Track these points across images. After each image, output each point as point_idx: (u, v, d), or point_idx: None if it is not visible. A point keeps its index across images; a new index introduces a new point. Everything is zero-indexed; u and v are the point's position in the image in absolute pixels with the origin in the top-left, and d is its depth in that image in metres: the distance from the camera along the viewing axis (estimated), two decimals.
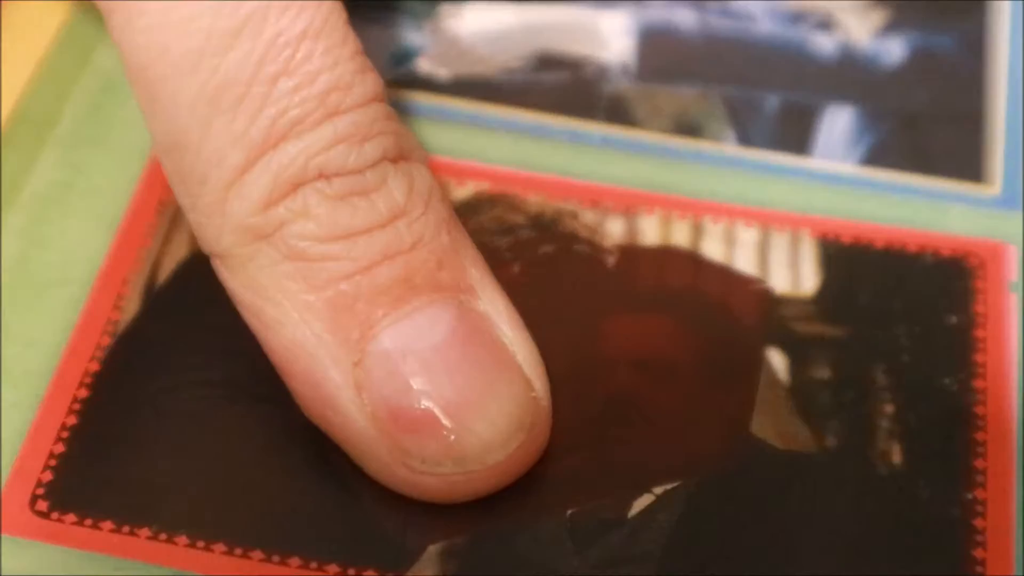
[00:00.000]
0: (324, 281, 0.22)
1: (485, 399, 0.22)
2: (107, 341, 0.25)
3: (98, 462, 0.23)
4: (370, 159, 0.23)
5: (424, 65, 0.29)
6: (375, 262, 0.22)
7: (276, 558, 0.23)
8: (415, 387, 0.22)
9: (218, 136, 0.22)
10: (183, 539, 0.23)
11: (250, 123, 0.22)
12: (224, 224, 0.23)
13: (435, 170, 0.26)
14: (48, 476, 0.23)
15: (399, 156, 0.23)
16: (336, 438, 0.23)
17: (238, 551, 0.23)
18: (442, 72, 0.29)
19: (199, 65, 0.22)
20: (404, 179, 0.23)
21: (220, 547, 0.23)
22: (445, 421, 0.22)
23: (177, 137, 0.23)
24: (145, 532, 0.23)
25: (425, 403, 0.22)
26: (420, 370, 0.22)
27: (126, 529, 0.23)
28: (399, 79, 0.28)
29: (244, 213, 0.22)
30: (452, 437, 0.22)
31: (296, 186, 0.22)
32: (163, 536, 0.23)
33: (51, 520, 0.23)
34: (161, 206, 0.26)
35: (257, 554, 0.23)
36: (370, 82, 0.23)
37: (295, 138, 0.22)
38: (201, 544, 0.23)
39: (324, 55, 0.23)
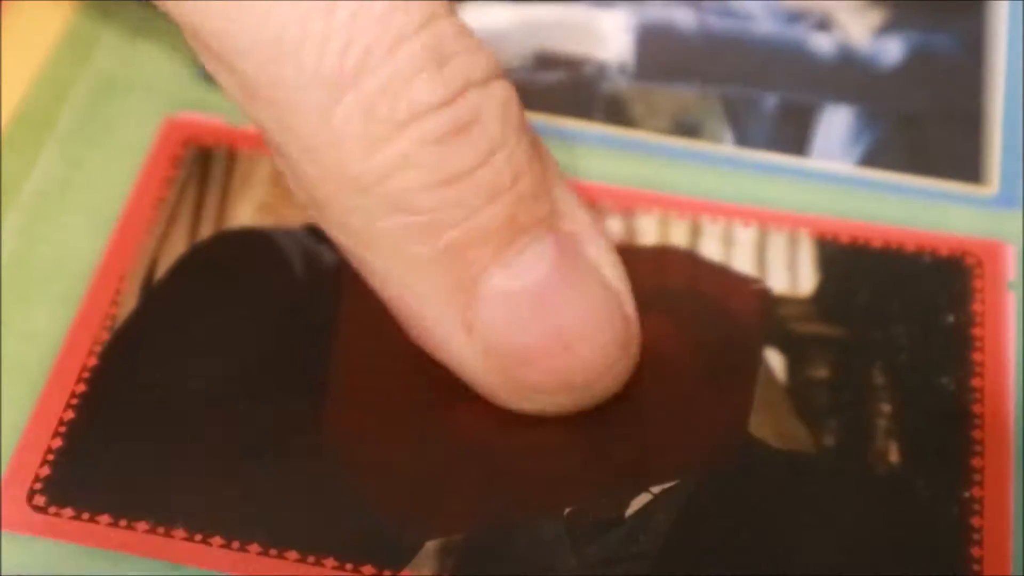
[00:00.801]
0: (433, 232, 0.21)
1: (590, 326, 0.22)
2: (105, 336, 0.25)
3: (95, 457, 0.23)
4: (456, 86, 0.21)
5: None
6: (480, 206, 0.21)
7: (273, 552, 0.22)
8: (526, 324, 0.22)
9: (292, 80, 0.21)
10: (181, 532, 0.23)
11: (318, 61, 0.21)
12: (324, 174, 0.21)
13: None
14: (46, 471, 0.23)
15: (486, 76, 0.22)
16: (455, 373, 0.23)
17: (235, 545, 0.23)
18: None
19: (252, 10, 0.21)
20: (496, 106, 0.21)
21: (217, 540, 0.23)
22: (556, 353, 0.22)
23: (258, 90, 0.21)
24: (143, 526, 0.23)
25: (537, 338, 0.22)
26: (530, 306, 0.22)
27: (123, 523, 0.23)
28: None
29: (343, 161, 0.21)
30: (563, 367, 0.22)
31: (391, 130, 0.21)
32: (160, 530, 0.23)
33: (49, 515, 0.23)
34: (159, 202, 0.26)
35: (254, 547, 0.23)
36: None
37: (369, 72, 0.21)
38: (199, 538, 0.23)
39: None
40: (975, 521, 0.23)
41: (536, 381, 0.23)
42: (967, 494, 0.23)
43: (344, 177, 0.21)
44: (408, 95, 0.21)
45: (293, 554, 0.23)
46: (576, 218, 0.23)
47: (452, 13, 0.22)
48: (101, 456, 0.23)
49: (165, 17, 0.23)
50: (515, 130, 0.22)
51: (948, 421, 0.24)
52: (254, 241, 0.26)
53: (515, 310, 0.22)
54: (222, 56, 0.22)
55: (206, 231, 0.26)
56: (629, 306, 0.23)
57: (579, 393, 0.23)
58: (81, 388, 0.24)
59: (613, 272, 0.23)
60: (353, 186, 0.21)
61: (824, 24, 0.29)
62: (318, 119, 0.21)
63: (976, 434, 0.24)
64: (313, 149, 0.21)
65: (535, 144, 0.23)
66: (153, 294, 0.25)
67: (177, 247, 0.26)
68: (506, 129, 0.22)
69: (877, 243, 0.26)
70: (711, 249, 0.26)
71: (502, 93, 0.22)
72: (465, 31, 0.22)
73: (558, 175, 0.23)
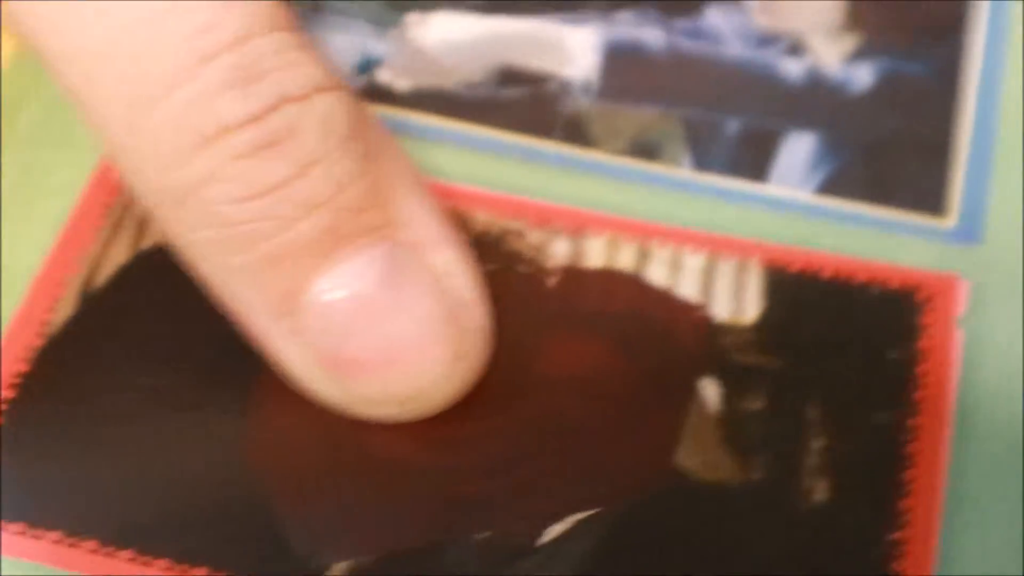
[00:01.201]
0: (248, 244, 0.22)
1: (418, 339, 0.22)
2: (39, 342, 0.25)
3: (19, 465, 0.23)
4: (266, 102, 0.21)
5: (384, 75, 0.29)
6: (296, 217, 0.22)
7: (182, 568, 0.22)
8: (351, 334, 0.22)
9: (107, 92, 0.22)
10: (91, 544, 0.23)
11: (130, 75, 0.21)
12: (142, 185, 0.22)
13: None
14: None
15: (308, 90, 0.22)
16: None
17: (145, 559, 0.22)
18: (402, 83, 0.29)
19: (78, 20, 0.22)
20: (315, 120, 0.22)
21: (126, 554, 0.23)
22: (381, 367, 0.22)
23: (78, 97, 0.22)
24: (54, 536, 0.23)
25: (362, 350, 0.22)
26: (354, 317, 0.22)
27: (36, 532, 0.23)
28: (357, 90, 0.28)
29: (156, 174, 0.22)
30: (390, 381, 0.22)
31: (199, 145, 0.21)
32: (69, 541, 0.23)
33: None
34: (107, 209, 0.26)
35: (162, 563, 0.23)
36: (251, 13, 0.21)
37: (177, 88, 0.21)
38: (109, 550, 0.23)
39: None
40: (897, 565, 0.23)
41: (364, 392, 0.23)
42: (892, 536, 0.23)
43: (158, 189, 0.22)
44: (216, 110, 0.21)
45: (202, 571, 0.22)
46: (422, 227, 0.23)
47: (279, 28, 0.22)
48: (25, 464, 0.23)
49: None
50: (339, 142, 0.22)
51: (881, 460, 0.24)
52: None
53: (340, 320, 0.22)
54: (51, 62, 0.22)
55: (151, 240, 0.26)
56: (475, 318, 0.23)
57: (409, 405, 0.23)
58: (10, 394, 0.24)
59: (462, 282, 0.23)
60: (168, 198, 0.22)
61: (796, 49, 0.29)
62: (131, 131, 0.21)
63: (908, 475, 0.23)
64: (130, 160, 0.22)
65: (370, 154, 0.22)
66: (91, 302, 0.25)
67: (120, 255, 0.26)
68: (326, 142, 0.22)
69: (827, 273, 0.26)
70: (658, 274, 0.26)
71: (324, 107, 0.22)
72: (290, 46, 0.22)
73: (408, 182, 0.23)
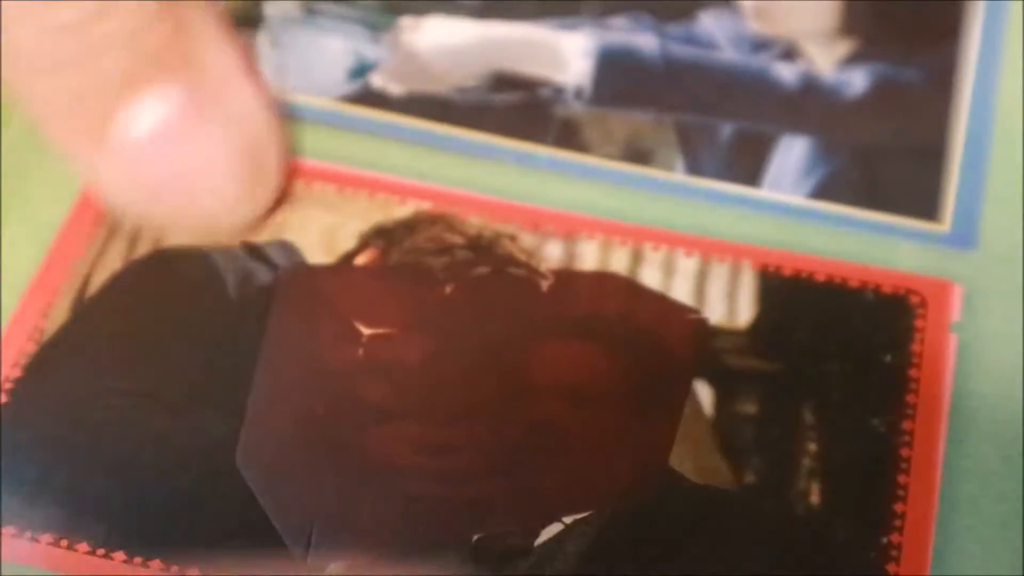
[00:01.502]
0: (53, 76, 0.23)
1: (215, 173, 0.24)
2: (31, 348, 0.25)
3: (10, 470, 0.23)
4: None
5: (378, 79, 0.29)
6: (95, 56, 0.23)
7: (174, 569, 0.22)
8: (150, 163, 0.24)
9: None
10: (84, 547, 0.23)
11: None
12: None
13: (377, 190, 0.26)
14: None
15: None
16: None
17: (137, 560, 0.22)
18: (396, 88, 0.29)
19: None
20: None
21: (120, 556, 0.23)
22: (178, 195, 0.24)
23: None
24: (47, 538, 0.23)
25: (159, 179, 0.24)
26: (153, 148, 0.24)
27: (28, 535, 0.23)
28: (351, 95, 0.28)
29: None
30: (186, 208, 0.24)
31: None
32: (64, 543, 0.23)
33: None
34: (99, 217, 0.26)
35: (155, 564, 0.22)
36: None
37: None
38: (101, 552, 0.23)
39: None
40: (891, 568, 0.23)
41: (162, 216, 0.24)
42: (886, 539, 0.23)
43: None
44: None
45: (195, 571, 0.22)
46: (221, 72, 0.24)
47: None
48: (20, 468, 0.23)
49: None
50: None
51: (875, 464, 0.24)
52: (190, 259, 0.26)
53: (141, 149, 0.23)
54: None
55: (143, 247, 0.26)
56: (268, 156, 0.25)
57: (203, 232, 0.25)
58: (4, 400, 0.24)
59: (258, 124, 0.25)
60: None
61: (789, 54, 0.29)
62: None
63: (901, 479, 0.23)
64: None
65: (170, 4, 0.24)
66: (84, 309, 0.25)
67: (113, 263, 0.26)
68: None
69: (820, 276, 0.26)
70: (652, 277, 0.26)
71: None
72: None
73: (210, 31, 0.24)
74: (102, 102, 0.23)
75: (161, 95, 0.23)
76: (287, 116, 0.27)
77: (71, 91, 0.23)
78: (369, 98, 0.28)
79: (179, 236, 0.26)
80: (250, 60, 0.25)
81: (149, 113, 0.23)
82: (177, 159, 0.24)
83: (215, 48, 0.24)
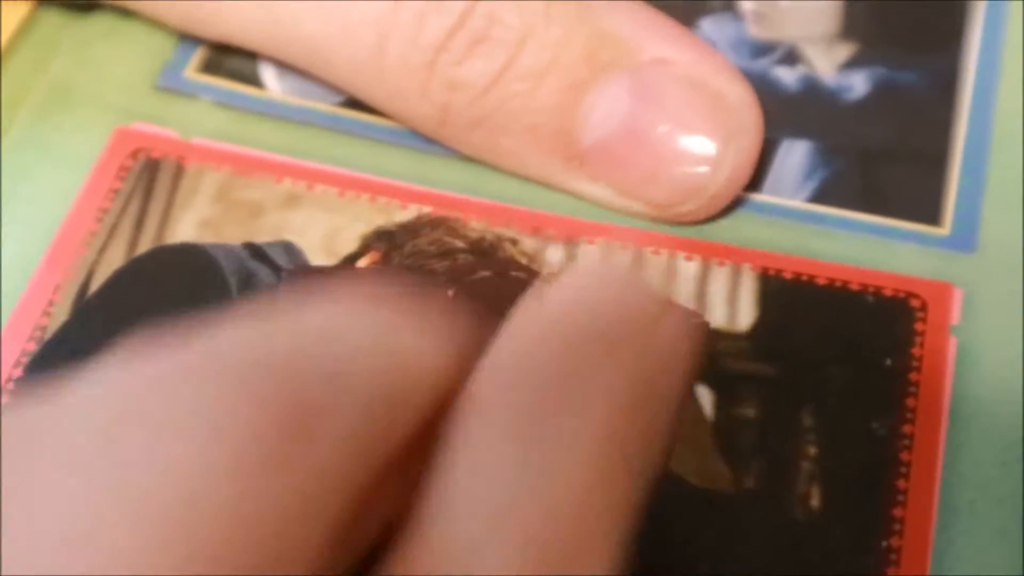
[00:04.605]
0: (508, 128, 0.25)
1: (692, 135, 0.25)
2: (32, 347, 0.25)
3: None
4: (458, 8, 0.25)
5: None
6: (533, 88, 0.25)
7: None
8: (631, 161, 0.25)
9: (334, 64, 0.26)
10: None
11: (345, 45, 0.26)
12: (408, 119, 0.27)
13: (379, 193, 0.26)
14: None
15: None
16: None
17: None
18: None
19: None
20: (507, 4, 0.25)
21: None
22: (668, 173, 0.26)
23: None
24: None
25: (646, 169, 0.26)
26: (628, 145, 0.25)
27: None
28: (353, 100, 0.28)
29: (407, 107, 0.26)
30: (678, 180, 0.26)
31: (430, 66, 0.25)
32: None
33: None
34: (101, 214, 0.26)
35: None
36: None
37: (385, 38, 0.25)
38: None
39: None
40: (891, 572, 0.23)
41: (663, 200, 0.26)
42: (886, 544, 0.23)
43: (417, 120, 0.26)
44: (422, 36, 0.25)
45: None
46: (655, 44, 0.25)
47: None
48: None
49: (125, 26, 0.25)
50: (541, 14, 0.25)
51: (874, 468, 0.24)
52: (192, 257, 0.26)
53: (618, 152, 0.25)
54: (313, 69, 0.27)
55: (146, 245, 0.26)
56: (738, 94, 0.26)
57: (700, 196, 0.26)
58: (4, 399, 0.24)
59: (712, 74, 0.26)
60: (428, 123, 0.26)
61: (790, 58, 0.29)
62: (371, 87, 0.26)
63: (901, 483, 0.23)
64: (387, 109, 0.27)
65: (574, 11, 0.25)
66: (85, 307, 0.25)
67: (115, 260, 0.26)
68: (528, 16, 0.25)
69: (821, 280, 0.26)
70: (653, 281, 0.26)
71: None
72: None
73: (631, 11, 0.26)
74: (558, 126, 0.25)
75: (611, 93, 0.25)
76: (289, 120, 0.27)
77: (528, 132, 0.26)
78: (368, 106, 0.28)
79: (685, 211, 0.26)
80: None
81: (608, 116, 0.25)
82: (654, 142, 0.25)
83: (642, 26, 0.26)
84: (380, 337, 0.16)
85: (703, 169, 0.25)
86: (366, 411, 0.15)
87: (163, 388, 0.14)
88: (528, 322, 0.17)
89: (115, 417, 0.14)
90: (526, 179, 0.27)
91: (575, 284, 0.18)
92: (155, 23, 0.28)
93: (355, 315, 0.16)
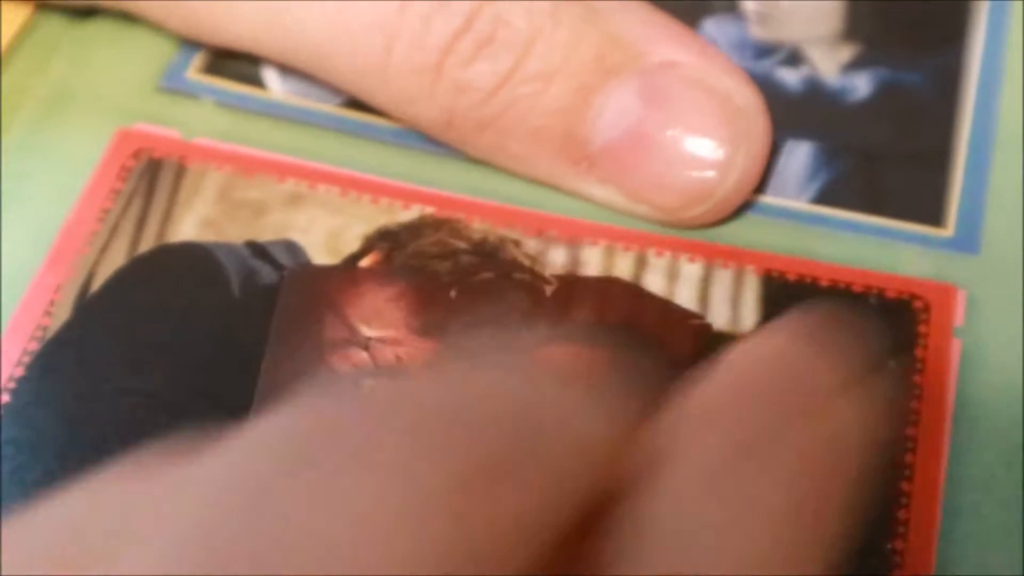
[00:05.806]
0: (514, 131, 0.25)
1: (701, 136, 0.25)
2: (34, 347, 0.25)
3: (11, 470, 0.23)
4: (464, 10, 0.25)
5: None
6: (540, 90, 0.25)
7: None
8: (640, 164, 0.25)
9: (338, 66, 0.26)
10: None
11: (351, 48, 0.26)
12: (415, 123, 0.26)
13: (381, 194, 0.26)
14: None
15: None
16: None
17: None
18: None
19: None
20: (515, 5, 0.25)
21: None
22: (676, 176, 0.25)
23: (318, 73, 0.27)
24: None
25: (656, 172, 0.26)
26: (638, 149, 0.25)
27: None
28: (355, 101, 0.28)
29: (416, 111, 0.26)
30: (686, 183, 0.25)
31: (437, 69, 0.25)
32: None
33: None
34: (102, 213, 0.26)
35: None
36: None
37: (406, 28, 0.25)
38: None
39: None
40: (895, 574, 0.22)
41: (669, 204, 0.26)
42: (890, 546, 0.23)
43: (424, 123, 0.26)
44: (429, 38, 0.25)
45: None
46: (663, 47, 0.25)
47: None
48: (16, 470, 0.23)
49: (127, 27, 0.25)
50: (548, 15, 0.25)
51: (878, 471, 0.24)
52: (194, 256, 0.26)
53: (627, 155, 0.25)
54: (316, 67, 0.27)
55: (147, 245, 0.26)
56: (745, 96, 0.26)
57: (707, 201, 0.26)
58: (4, 399, 0.24)
59: (719, 77, 0.25)
60: (436, 126, 0.26)
61: (793, 59, 0.29)
62: (377, 90, 0.26)
63: (905, 486, 0.23)
64: (394, 112, 0.26)
65: (582, 14, 0.25)
66: (87, 306, 0.25)
67: (117, 260, 0.26)
68: (535, 18, 0.25)
69: (824, 281, 0.26)
70: (655, 283, 0.26)
71: None
72: None
73: (639, 13, 0.26)
74: (568, 127, 0.25)
75: (620, 95, 0.25)
76: (291, 121, 0.27)
77: (535, 134, 0.25)
78: (372, 107, 0.28)
79: (691, 216, 0.26)
80: None
81: (617, 118, 0.25)
82: (663, 145, 0.25)
83: (651, 28, 0.26)
84: (567, 418, 0.16)
85: (711, 174, 0.25)
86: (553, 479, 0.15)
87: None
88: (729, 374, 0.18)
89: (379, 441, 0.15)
90: (533, 181, 0.26)
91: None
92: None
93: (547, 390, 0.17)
